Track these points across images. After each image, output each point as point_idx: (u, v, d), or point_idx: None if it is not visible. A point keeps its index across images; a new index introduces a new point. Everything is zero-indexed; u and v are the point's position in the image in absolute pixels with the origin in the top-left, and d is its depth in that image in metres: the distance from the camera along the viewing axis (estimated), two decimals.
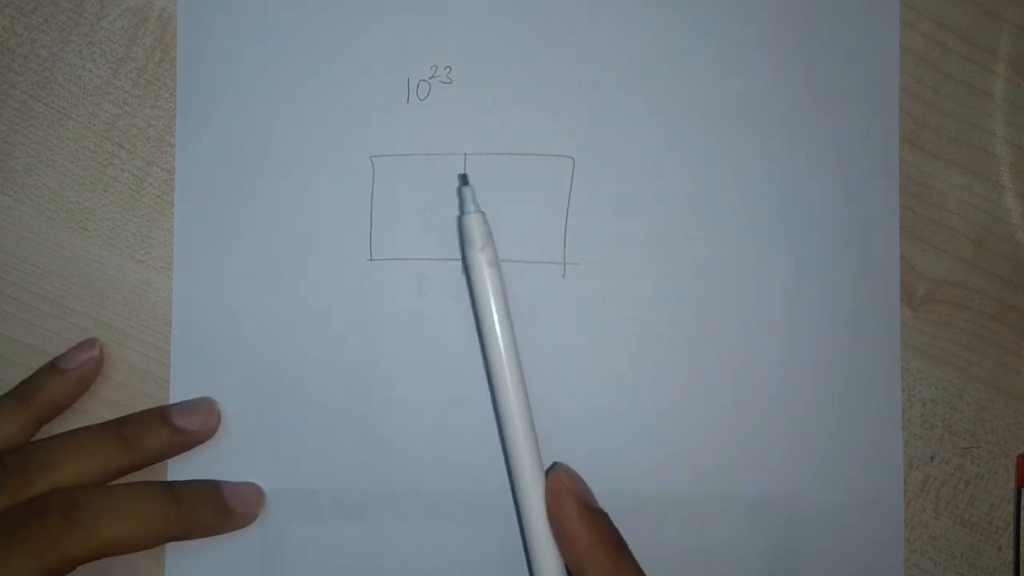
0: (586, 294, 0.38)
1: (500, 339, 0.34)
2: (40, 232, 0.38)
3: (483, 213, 0.35)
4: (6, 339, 0.38)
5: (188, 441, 0.37)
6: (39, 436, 0.37)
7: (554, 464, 0.36)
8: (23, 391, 0.37)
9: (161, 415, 0.37)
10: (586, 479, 0.35)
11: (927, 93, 0.39)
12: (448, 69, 0.38)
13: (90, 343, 0.38)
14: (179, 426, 0.36)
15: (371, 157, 0.38)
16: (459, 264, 0.38)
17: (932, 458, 0.38)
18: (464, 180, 0.37)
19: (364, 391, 0.38)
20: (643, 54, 0.38)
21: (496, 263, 0.35)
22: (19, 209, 0.38)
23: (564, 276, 0.38)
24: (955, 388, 0.38)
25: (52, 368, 0.37)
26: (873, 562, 0.38)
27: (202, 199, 0.38)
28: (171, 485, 0.36)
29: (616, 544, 0.33)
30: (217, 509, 0.36)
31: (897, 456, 0.38)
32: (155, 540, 0.35)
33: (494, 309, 0.34)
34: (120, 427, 0.36)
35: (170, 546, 0.37)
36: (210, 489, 0.37)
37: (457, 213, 0.37)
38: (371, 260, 0.38)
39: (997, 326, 0.39)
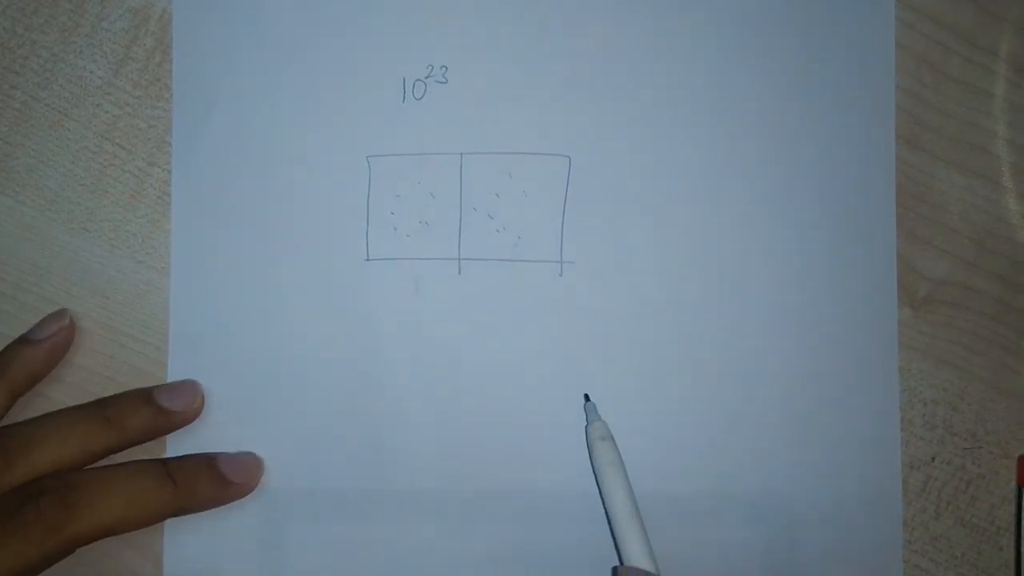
0: (583, 293, 0.38)
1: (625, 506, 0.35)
2: (41, 232, 0.39)
3: (604, 422, 0.37)
4: (7, 339, 0.38)
5: (173, 421, 0.37)
6: (16, 416, 0.37)
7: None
8: None
9: (145, 395, 0.37)
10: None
11: (928, 93, 0.38)
12: (444, 68, 0.38)
13: (60, 314, 0.38)
14: (163, 406, 0.36)
15: (367, 157, 0.38)
16: (455, 263, 0.38)
17: (933, 459, 0.38)
18: (586, 397, 0.37)
19: (362, 391, 0.38)
20: (638, 53, 0.38)
21: (617, 463, 0.36)
22: (20, 209, 0.39)
23: (561, 275, 0.38)
24: (956, 389, 0.38)
25: (23, 340, 0.37)
26: (872, 562, 0.37)
27: (199, 200, 0.38)
28: (165, 462, 0.36)
29: None
30: (214, 482, 0.36)
31: (895, 456, 0.38)
32: (153, 518, 0.35)
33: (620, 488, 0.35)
34: (102, 407, 0.36)
35: (168, 547, 0.37)
36: (205, 462, 0.37)
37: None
38: (368, 260, 0.38)
39: (998, 326, 0.38)
